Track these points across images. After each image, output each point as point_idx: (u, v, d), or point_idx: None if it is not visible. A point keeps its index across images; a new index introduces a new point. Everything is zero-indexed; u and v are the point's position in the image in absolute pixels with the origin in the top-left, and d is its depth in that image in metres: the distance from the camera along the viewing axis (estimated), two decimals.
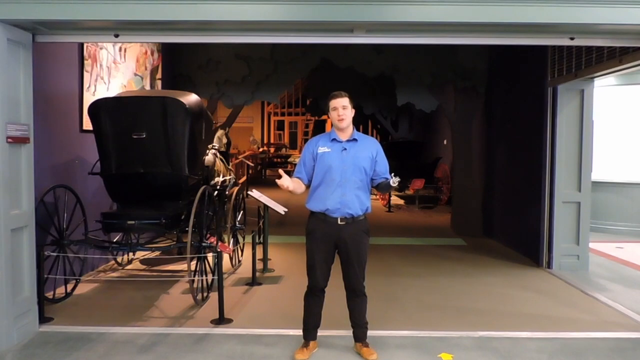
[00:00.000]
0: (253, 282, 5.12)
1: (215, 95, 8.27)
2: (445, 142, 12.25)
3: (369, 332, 3.46)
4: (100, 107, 4.48)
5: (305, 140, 23.97)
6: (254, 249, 5.24)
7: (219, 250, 4.34)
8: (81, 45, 5.14)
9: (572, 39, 3.71)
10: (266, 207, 5.58)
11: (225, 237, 5.65)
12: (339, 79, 10.61)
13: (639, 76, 7.66)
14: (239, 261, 6.04)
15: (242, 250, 6.22)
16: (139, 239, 5.44)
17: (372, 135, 20.83)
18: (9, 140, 3.39)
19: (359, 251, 3.33)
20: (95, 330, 3.77)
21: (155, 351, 3.43)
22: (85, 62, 5.26)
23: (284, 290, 4.96)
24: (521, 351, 3.48)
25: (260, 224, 5.84)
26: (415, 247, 7.12)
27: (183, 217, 4.71)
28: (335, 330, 3.75)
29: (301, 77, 10.49)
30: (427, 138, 14.50)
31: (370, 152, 3.33)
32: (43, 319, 3.89)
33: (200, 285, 4.49)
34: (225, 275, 5.03)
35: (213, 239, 4.73)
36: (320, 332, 3.51)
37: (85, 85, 5.27)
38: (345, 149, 3.29)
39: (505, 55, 7.29)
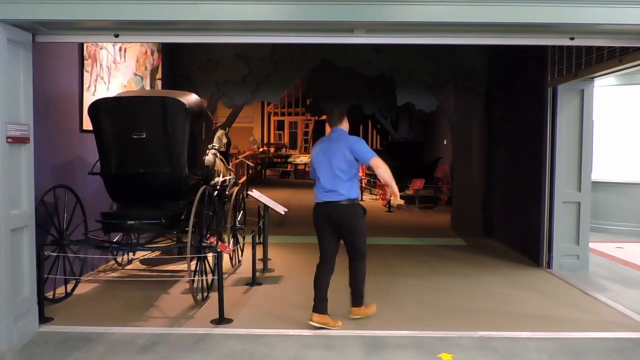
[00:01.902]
0: (253, 282, 5.12)
1: (215, 95, 8.27)
2: (445, 142, 12.25)
3: (370, 332, 3.46)
4: (100, 107, 4.48)
5: (306, 141, 23.99)
6: (254, 249, 5.25)
7: (219, 250, 4.34)
8: (81, 45, 5.14)
9: (572, 39, 3.71)
10: (266, 207, 5.58)
11: (225, 237, 5.64)
12: (339, 79, 10.61)
13: (639, 76, 7.65)
14: (239, 261, 6.04)
15: (242, 250, 6.22)
16: (139, 239, 5.44)
17: (372, 135, 20.85)
18: (9, 140, 3.39)
19: None
20: (95, 330, 3.77)
21: (155, 351, 3.43)
22: (85, 62, 5.26)
23: (284, 290, 4.96)
24: (521, 351, 3.48)
25: (260, 224, 5.84)
26: (415, 247, 7.12)
27: (183, 217, 4.71)
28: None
29: (301, 77, 10.50)
30: (427, 138, 14.50)
31: None
32: (43, 319, 3.89)
33: (200, 285, 4.49)
34: (225, 275, 5.03)
35: (213, 239, 4.73)
36: (320, 333, 3.51)
37: (85, 85, 5.27)
38: None
39: (505, 55, 7.29)
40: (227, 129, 7.53)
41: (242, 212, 6.40)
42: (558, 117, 5.70)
